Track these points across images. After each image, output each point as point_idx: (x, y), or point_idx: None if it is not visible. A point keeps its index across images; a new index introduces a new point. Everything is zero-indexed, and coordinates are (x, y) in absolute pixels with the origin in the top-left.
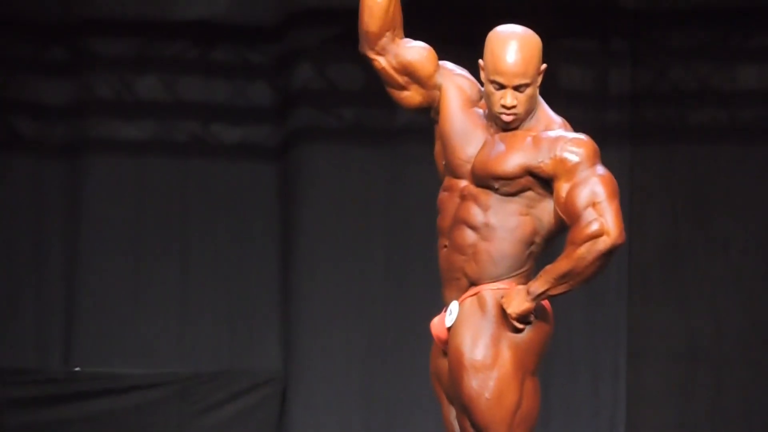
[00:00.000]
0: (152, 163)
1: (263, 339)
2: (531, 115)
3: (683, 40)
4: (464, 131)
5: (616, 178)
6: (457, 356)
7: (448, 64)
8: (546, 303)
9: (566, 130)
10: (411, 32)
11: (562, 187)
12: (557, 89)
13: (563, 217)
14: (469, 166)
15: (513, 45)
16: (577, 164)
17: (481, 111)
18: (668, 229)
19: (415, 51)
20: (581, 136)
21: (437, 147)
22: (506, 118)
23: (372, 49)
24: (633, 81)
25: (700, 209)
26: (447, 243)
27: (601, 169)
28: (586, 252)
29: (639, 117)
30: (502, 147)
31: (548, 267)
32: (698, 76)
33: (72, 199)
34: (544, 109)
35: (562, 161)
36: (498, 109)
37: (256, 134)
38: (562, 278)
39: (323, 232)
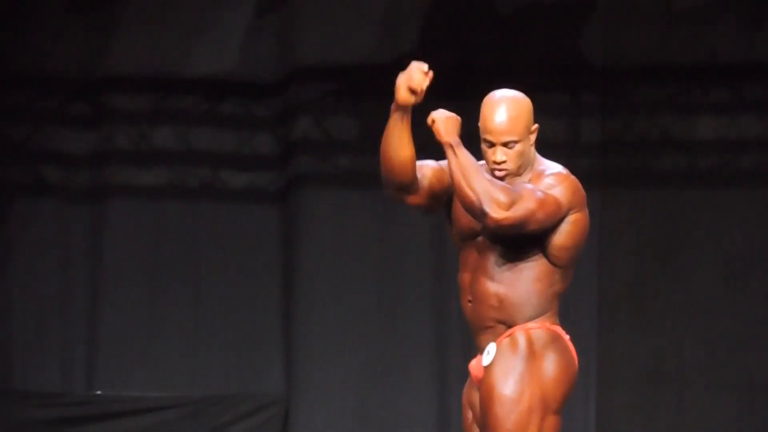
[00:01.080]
0: (167, 206)
1: (267, 365)
2: (527, 170)
3: (647, 94)
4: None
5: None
6: (489, 390)
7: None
8: (571, 347)
9: (558, 176)
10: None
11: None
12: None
13: None
14: (479, 226)
15: (501, 105)
16: (545, 177)
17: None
18: (634, 264)
19: (429, 173)
20: (562, 173)
21: (451, 227)
22: (498, 174)
23: (410, 194)
24: (602, 131)
25: (663, 247)
26: (470, 298)
27: (557, 188)
28: (482, 192)
29: (608, 164)
30: None
31: (471, 160)
32: (661, 126)
33: (94, 239)
34: (540, 160)
35: (539, 178)
36: (491, 165)
37: (260, 180)
38: (467, 177)
39: (321, 269)
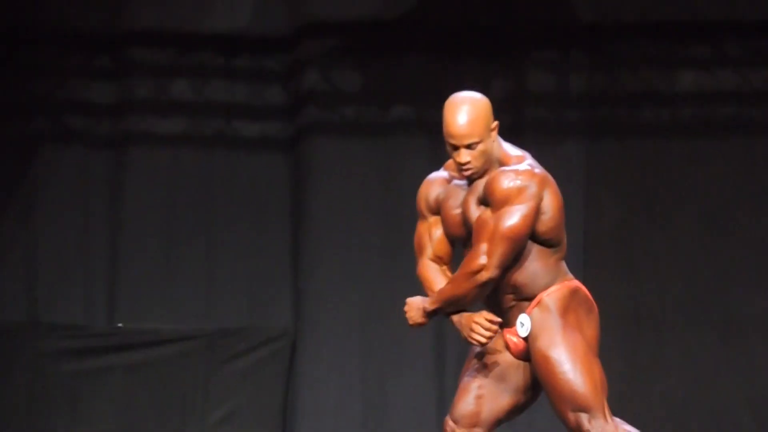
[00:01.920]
0: (183, 153)
1: (277, 301)
2: (492, 164)
3: (632, 50)
4: (451, 214)
5: (576, 168)
6: (544, 357)
7: (426, 194)
8: (588, 294)
9: (518, 161)
10: (402, 49)
11: (486, 211)
12: (528, 93)
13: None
14: (465, 234)
15: (460, 110)
16: (501, 199)
17: (458, 181)
18: (619, 210)
19: (442, 240)
20: (511, 170)
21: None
22: (465, 174)
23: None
24: (589, 85)
25: (646, 194)
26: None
27: (517, 211)
28: (466, 282)
29: (595, 116)
30: (473, 206)
31: (440, 289)
32: (644, 80)
33: (115, 184)
34: (505, 150)
35: (491, 192)
36: (458, 166)
37: (271, 129)
38: (449, 301)
39: (328, 212)
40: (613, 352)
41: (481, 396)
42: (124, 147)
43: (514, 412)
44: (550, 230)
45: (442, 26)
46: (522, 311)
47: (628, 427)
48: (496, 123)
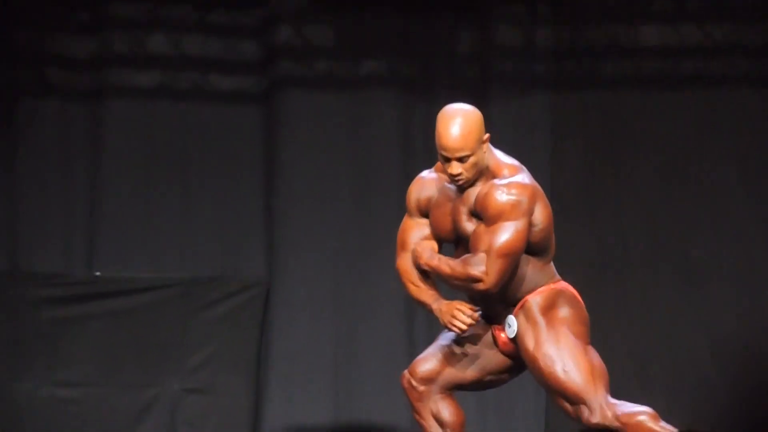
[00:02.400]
0: (160, 106)
1: (251, 250)
2: (483, 174)
3: (596, 4)
4: (441, 216)
5: (541, 120)
6: (533, 358)
7: (416, 192)
8: (576, 293)
9: (512, 172)
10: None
11: (480, 225)
12: (495, 46)
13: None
14: (453, 236)
15: (453, 124)
16: (494, 215)
17: (449, 185)
18: (583, 160)
19: (429, 241)
20: (503, 184)
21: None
22: (456, 184)
23: None
24: (555, 39)
25: (609, 144)
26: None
27: (511, 227)
28: (463, 279)
29: (560, 69)
30: (465, 216)
31: (443, 259)
32: (608, 34)
33: (94, 135)
34: (496, 159)
35: (485, 208)
36: (449, 176)
37: (245, 83)
38: (443, 277)
39: (300, 163)
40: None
41: (447, 360)
42: (102, 99)
43: (477, 386)
44: (541, 240)
45: None
46: (509, 311)
47: (628, 408)
48: (487, 135)
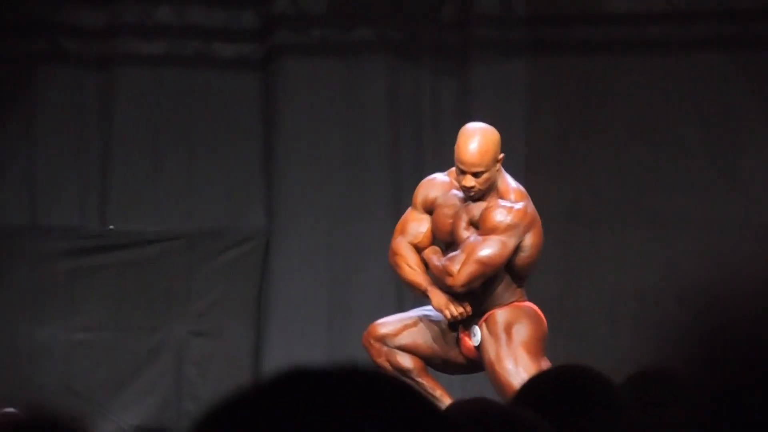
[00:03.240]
0: (166, 72)
1: (252, 205)
2: (492, 190)
3: None
4: (445, 219)
5: (518, 83)
6: (492, 370)
7: (426, 190)
8: (538, 310)
9: (518, 198)
10: None
11: (474, 233)
12: (475, 15)
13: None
14: (451, 239)
15: (473, 140)
16: (489, 228)
17: (457, 191)
18: (558, 122)
19: (428, 238)
20: (508, 206)
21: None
22: (468, 196)
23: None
24: (531, 7)
25: (583, 106)
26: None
27: (498, 242)
28: (439, 270)
29: (535, 35)
30: (464, 223)
31: (432, 254)
32: (579, 2)
33: (105, 100)
34: (505, 181)
35: (484, 220)
36: (462, 187)
37: (245, 50)
38: (428, 262)
39: (297, 124)
40: (552, 249)
41: (406, 328)
42: (113, 66)
43: (428, 362)
44: (525, 267)
45: None
46: (476, 320)
47: None
48: (502, 156)
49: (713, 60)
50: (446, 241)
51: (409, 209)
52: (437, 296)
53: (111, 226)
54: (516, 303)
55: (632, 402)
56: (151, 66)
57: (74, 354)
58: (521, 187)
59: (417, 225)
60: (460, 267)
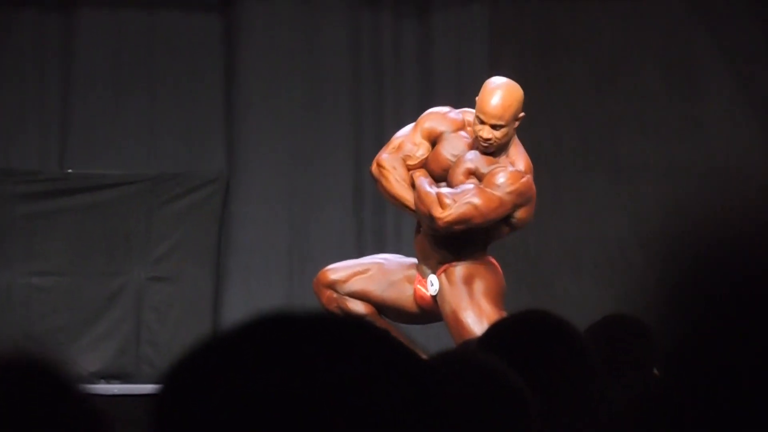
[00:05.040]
0: (127, 15)
1: (212, 148)
2: (505, 150)
3: None
4: (445, 155)
5: (479, 28)
6: (454, 316)
7: (436, 119)
8: (494, 261)
9: (527, 170)
10: None
11: (474, 180)
12: None
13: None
14: (444, 175)
15: (498, 93)
16: (494, 183)
17: (465, 134)
18: (519, 66)
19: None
20: (519, 172)
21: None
22: (482, 147)
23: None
24: None
25: (543, 51)
26: (422, 229)
27: (498, 200)
28: (428, 202)
29: None
30: (463, 167)
31: (423, 176)
32: None
33: (66, 43)
34: (518, 149)
35: (491, 175)
36: (478, 137)
37: None
38: (404, 199)
39: (257, 68)
40: None
41: (360, 275)
42: (73, 8)
43: (379, 310)
44: (502, 233)
45: None
46: (435, 268)
47: None
48: (522, 114)
49: (673, 4)
50: (437, 176)
51: (411, 130)
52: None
53: (70, 170)
54: (479, 258)
55: (595, 347)
56: (111, 8)
57: (32, 299)
58: (529, 161)
59: (415, 148)
60: (454, 207)
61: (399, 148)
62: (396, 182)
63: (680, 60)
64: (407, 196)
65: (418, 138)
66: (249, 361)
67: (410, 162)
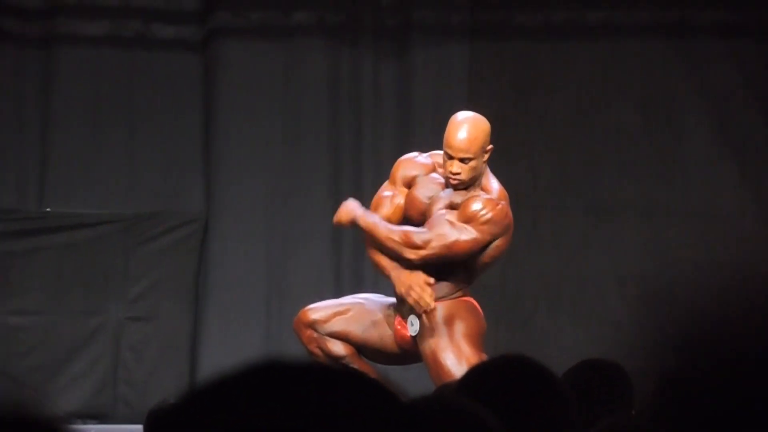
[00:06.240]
0: (106, 53)
1: (191, 187)
2: (476, 183)
3: None
4: (421, 197)
5: (459, 67)
6: (434, 357)
7: (406, 166)
8: (475, 302)
9: (500, 197)
10: None
11: (449, 213)
12: None
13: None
14: (422, 219)
15: (463, 126)
16: (468, 216)
17: (437, 176)
18: (497, 105)
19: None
20: (494, 200)
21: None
22: (452, 182)
23: None
24: None
25: (522, 90)
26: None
27: (471, 233)
28: (398, 242)
29: (475, 19)
30: (440, 205)
31: (381, 223)
32: None
33: (45, 81)
34: (489, 179)
35: (466, 205)
36: (447, 174)
37: (185, 32)
38: (376, 238)
39: (236, 107)
40: None
41: (341, 315)
42: (53, 47)
43: (360, 350)
44: (482, 265)
45: None
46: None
47: None
48: (491, 147)
49: (652, 45)
50: (416, 221)
51: (387, 182)
52: (399, 283)
53: (48, 209)
54: (460, 298)
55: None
56: (91, 47)
57: (9, 337)
58: (503, 190)
59: (395, 200)
60: (426, 244)
61: (378, 208)
62: (373, 248)
63: (659, 100)
64: (384, 263)
65: (395, 189)
66: (236, 413)
67: (391, 213)
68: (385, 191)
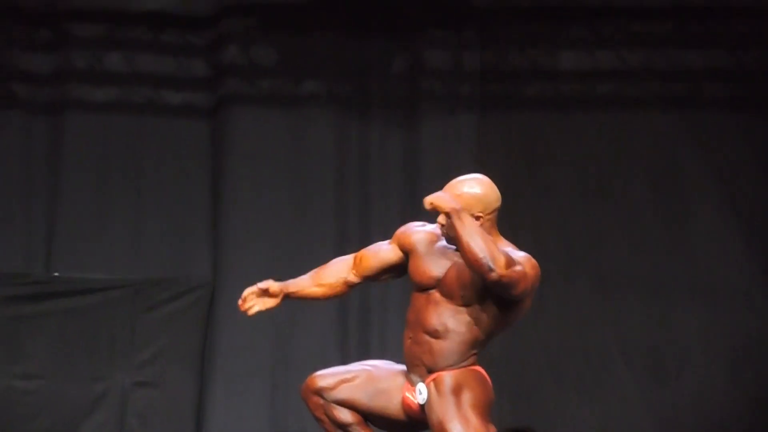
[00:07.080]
0: (115, 118)
1: (198, 254)
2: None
3: (519, 31)
4: (430, 260)
5: (467, 137)
6: (441, 427)
7: (407, 228)
8: (483, 372)
9: (516, 249)
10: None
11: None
12: (424, 68)
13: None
14: (434, 282)
15: (465, 183)
16: (516, 258)
17: (444, 244)
18: (505, 176)
19: (377, 256)
20: (533, 261)
21: (411, 273)
22: (443, 234)
23: (352, 286)
24: (480, 63)
25: (530, 162)
26: (411, 335)
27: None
28: (490, 253)
29: (485, 90)
30: (466, 270)
31: (475, 225)
32: (530, 59)
33: (54, 146)
34: (504, 242)
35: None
36: (440, 227)
37: (194, 98)
38: (471, 236)
39: (244, 174)
40: None
41: (348, 383)
42: (62, 112)
43: (367, 418)
44: (502, 325)
45: (348, 7)
46: (424, 376)
47: None
48: (495, 208)
49: (662, 118)
50: (427, 285)
51: (386, 242)
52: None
53: (56, 273)
54: (468, 367)
55: None
56: (100, 112)
57: (15, 401)
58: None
59: (382, 253)
60: (514, 263)
61: (360, 256)
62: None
63: (668, 174)
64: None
65: (389, 248)
66: None
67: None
68: (376, 250)
